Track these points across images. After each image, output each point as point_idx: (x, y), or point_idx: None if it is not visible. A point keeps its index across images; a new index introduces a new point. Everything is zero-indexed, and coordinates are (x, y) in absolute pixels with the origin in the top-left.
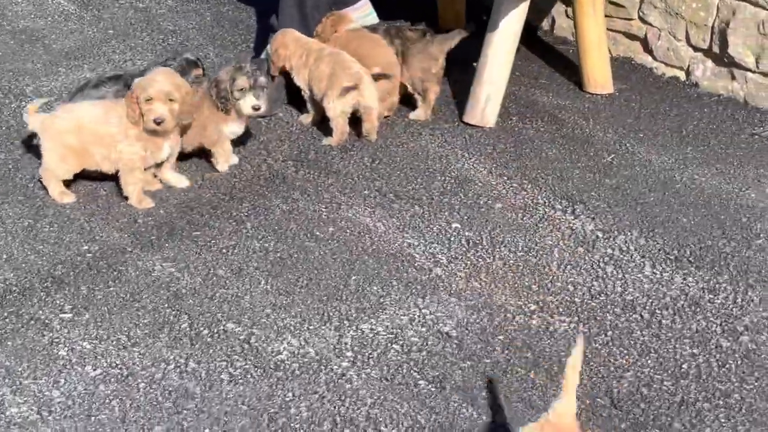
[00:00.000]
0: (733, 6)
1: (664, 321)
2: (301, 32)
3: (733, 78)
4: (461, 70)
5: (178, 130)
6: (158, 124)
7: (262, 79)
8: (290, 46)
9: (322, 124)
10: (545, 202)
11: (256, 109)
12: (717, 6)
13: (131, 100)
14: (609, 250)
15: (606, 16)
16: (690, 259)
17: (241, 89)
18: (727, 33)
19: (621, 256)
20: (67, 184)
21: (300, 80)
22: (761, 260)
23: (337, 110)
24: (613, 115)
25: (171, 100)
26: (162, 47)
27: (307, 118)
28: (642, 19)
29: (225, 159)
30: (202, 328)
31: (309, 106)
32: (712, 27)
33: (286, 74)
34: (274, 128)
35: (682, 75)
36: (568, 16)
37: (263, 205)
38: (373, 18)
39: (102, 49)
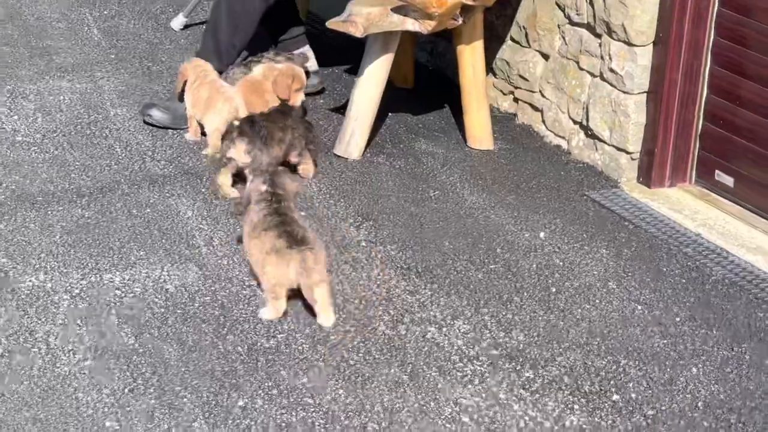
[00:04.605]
0: (596, 84)
1: (348, 307)
2: (215, 65)
3: (596, 149)
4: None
5: None
6: None
7: None
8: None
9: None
10: (342, 216)
11: None
12: (588, 84)
13: None
14: (358, 255)
15: (516, 87)
16: (419, 270)
17: None
18: (589, 108)
19: (364, 260)
20: None
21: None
22: (480, 279)
23: (212, 126)
24: (472, 165)
25: None
26: (141, 71)
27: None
28: (541, 93)
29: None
30: None
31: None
32: (584, 102)
33: None
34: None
35: (564, 144)
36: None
37: (111, 187)
38: (313, 65)
39: (92, 67)
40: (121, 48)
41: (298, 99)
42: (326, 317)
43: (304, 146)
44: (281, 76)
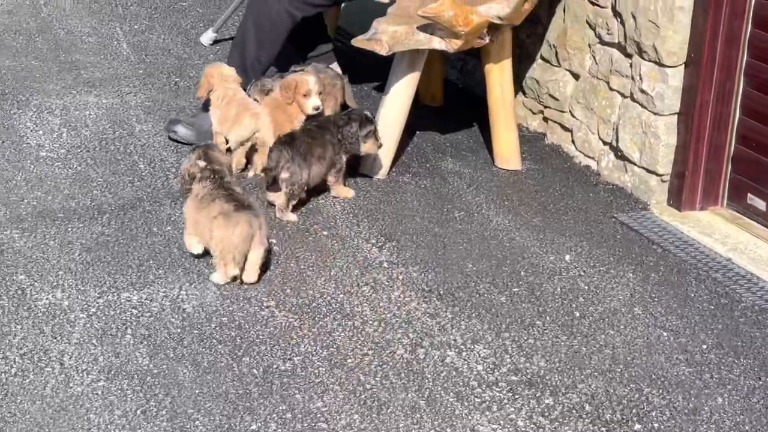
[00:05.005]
0: (626, 104)
1: (367, 329)
2: (241, 77)
3: (626, 170)
4: None
5: None
6: None
7: None
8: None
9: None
10: (365, 236)
11: None
12: (618, 105)
13: None
14: (379, 276)
15: (546, 107)
16: (441, 292)
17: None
18: (618, 129)
19: (385, 281)
20: None
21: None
22: (502, 302)
23: (236, 142)
24: (498, 186)
25: None
26: (168, 86)
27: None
28: (571, 113)
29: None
30: None
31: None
32: (614, 123)
33: None
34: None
35: (593, 164)
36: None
37: (133, 204)
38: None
39: (120, 82)
40: (150, 63)
41: (308, 106)
42: (249, 275)
43: (343, 164)
44: (284, 83)
